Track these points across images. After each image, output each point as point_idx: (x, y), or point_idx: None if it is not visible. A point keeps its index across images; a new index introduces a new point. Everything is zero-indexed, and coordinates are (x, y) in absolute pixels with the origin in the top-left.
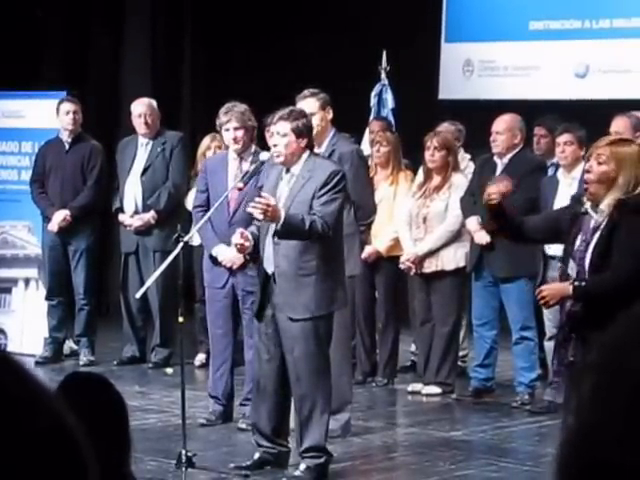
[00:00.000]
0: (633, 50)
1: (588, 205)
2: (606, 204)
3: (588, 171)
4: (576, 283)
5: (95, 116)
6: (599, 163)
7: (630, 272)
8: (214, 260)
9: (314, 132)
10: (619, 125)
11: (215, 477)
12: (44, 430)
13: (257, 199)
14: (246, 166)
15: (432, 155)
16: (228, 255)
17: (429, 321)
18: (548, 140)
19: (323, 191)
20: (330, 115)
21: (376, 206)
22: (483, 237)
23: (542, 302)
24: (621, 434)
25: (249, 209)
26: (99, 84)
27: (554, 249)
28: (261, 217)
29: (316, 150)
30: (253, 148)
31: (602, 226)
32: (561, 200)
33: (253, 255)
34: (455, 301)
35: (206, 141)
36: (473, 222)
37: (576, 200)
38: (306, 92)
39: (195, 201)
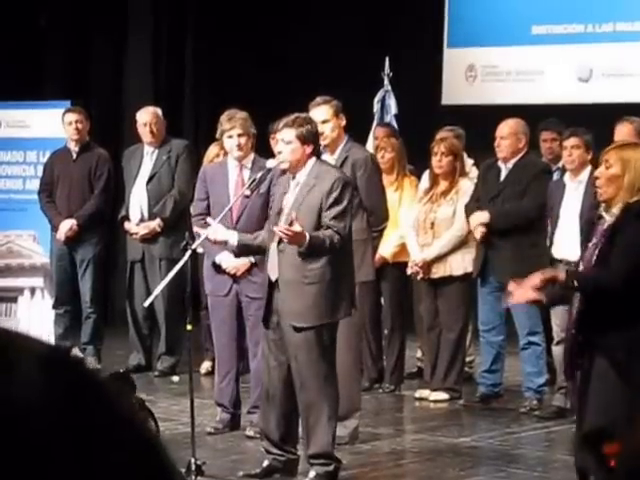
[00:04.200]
0: (636, 54)
1: (602, 210)
2: (618, 207)
3: (597, 177)
4: (569, 269)
5: (98, 125)
6: (606, 167)
7: (623, 276)
8: (217, 268)
9: (328, 139)
10: (623, 132)
11: None
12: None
13: (284, 227)
14: (247, 173)
15: (439, 161)
16: (232, 262)
17: (436, 327)
18: (559, 143)
19: (330, 201)
20: (343, 122)
21: (389, 212)
22: (479, 231)
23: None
24: None
25: (275, 230)
26: (102, 93)
27: (561, 252)
28: (287, 241)
29: (329, 157)
30: (252, 156)
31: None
32: (567, 204)
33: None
34: (462, 307)
35: (214, 149)
36: (478, 217)
37: (595, 209)
38: (319, 99)
39: (195, 209)
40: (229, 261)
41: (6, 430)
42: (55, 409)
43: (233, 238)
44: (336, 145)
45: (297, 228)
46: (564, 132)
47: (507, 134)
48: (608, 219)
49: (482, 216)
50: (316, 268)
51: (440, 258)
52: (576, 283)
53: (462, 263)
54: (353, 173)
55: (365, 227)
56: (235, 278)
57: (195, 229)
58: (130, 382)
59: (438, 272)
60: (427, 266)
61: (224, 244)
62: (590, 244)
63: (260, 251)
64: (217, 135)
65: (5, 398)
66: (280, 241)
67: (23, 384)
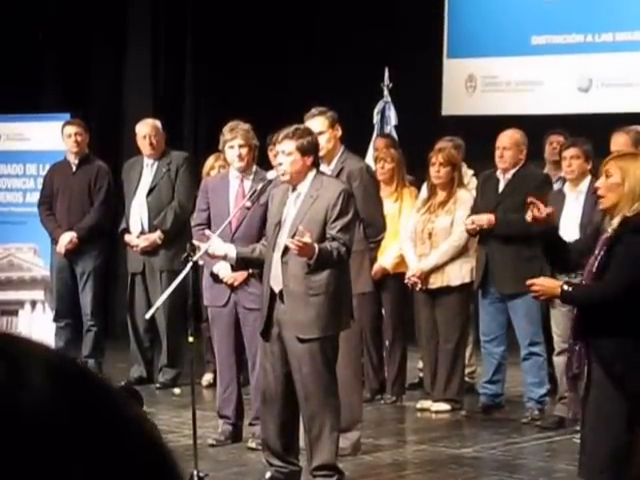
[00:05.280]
0: (636, 63)
1: (606, 224)
2: (618, 219)
3: (598, 187)
4: (565, 287)
5: (98, 137)
6: (607, 177)
7: (619, 289)
8: (214, 278)
9: (323, 150)
10: (619, 142)
11: None
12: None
13: (296, 239)
14: (248, 185)
15: (437, 171)
16: (229, 272)
17: (435, 338)
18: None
19: (336, 213)
20: (339, 133)
21: (386, 224)
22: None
23: (532, 295)
24: None
25: (287, 243)
26: (101, 106)
27: None
28: (296, 253)
29: (325, 168)
30: (254, 167)
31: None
32: (567, 214)
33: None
34: (460, 317)
35: (210, 161)
36: (481, 217)
37: (599, 225)
38: (314, 110)
39: (196, 220)
40: (226, 271)
41: (15, 436)
42: (64, 415)
43: (232, 252)
44: (332, 156)
45: (308, 240)
46: (565, 141)
47: (510, 144)
48: (608, 230)
49: (486, 218)
50: (320, 280)
51: (438, 268)
52: (571, 298)
53: (460, 273)
54: (349, 184)
55: (362, 238)
56: (233, 288)
57: (194, 242)
58: (137, 396)
59: (436, 282)
60: (425, 276)
61: (223, 258)
62: (593, 255)
63: (258, 263)
64: (220, 146)
65: (14, 403)
66: (284, 252)
67: (32, 389)
